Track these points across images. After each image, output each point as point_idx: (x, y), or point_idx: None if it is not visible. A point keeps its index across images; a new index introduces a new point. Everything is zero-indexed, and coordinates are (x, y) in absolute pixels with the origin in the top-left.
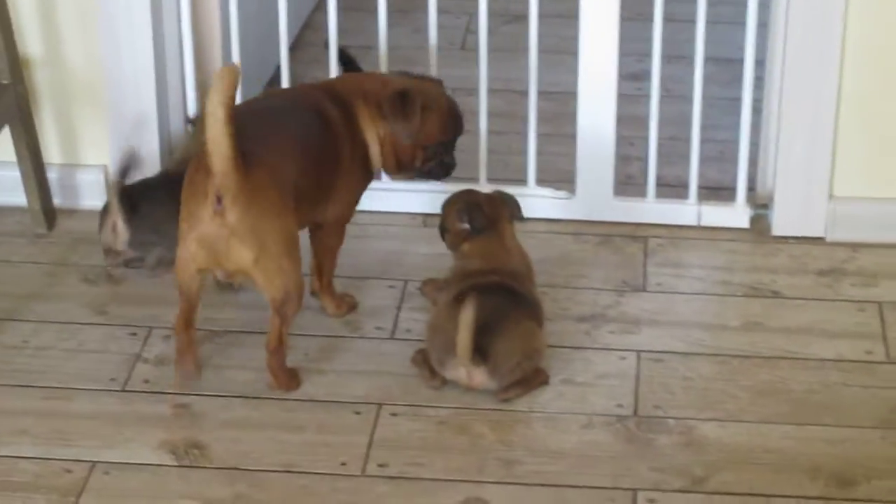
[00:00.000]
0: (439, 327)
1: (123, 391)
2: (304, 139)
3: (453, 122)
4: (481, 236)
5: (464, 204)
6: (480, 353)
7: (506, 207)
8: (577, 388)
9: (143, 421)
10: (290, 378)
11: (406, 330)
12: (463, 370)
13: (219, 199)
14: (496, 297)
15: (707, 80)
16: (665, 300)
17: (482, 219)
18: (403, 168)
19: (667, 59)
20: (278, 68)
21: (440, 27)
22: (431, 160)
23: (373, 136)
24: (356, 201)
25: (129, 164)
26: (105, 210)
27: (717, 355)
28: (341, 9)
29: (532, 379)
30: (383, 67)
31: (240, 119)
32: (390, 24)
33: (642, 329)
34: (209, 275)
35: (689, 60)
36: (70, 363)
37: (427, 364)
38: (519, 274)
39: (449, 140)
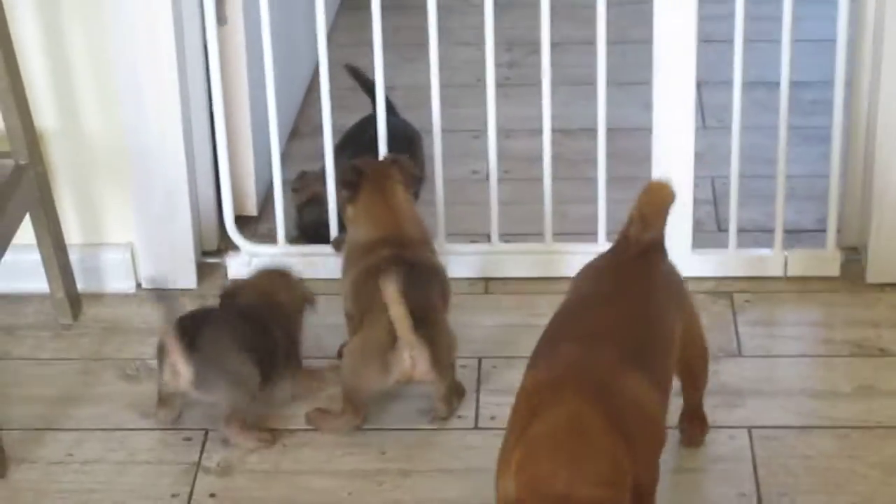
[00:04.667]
0: (369, 332)
1: None
2: None
3: None
4: (364, 198)
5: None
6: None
7: (396, 170)
8: (691, 476)
9: None
10: None
11: (490, 417)
12: (407, 358)
13: None
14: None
15: (759, 106)
16: (765, 365)
17: (353, 175)
18: None
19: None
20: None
21: (464, 62)
22: None
23: None
24: None
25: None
26: (161, 350)
27: (835, 427)
28: (354, 45)
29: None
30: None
31: None
32: (408, 60)
33: (747, 401)
34: None
35: (747, 86)
36: (123, 478)
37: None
38: (412, 240)
39: None
